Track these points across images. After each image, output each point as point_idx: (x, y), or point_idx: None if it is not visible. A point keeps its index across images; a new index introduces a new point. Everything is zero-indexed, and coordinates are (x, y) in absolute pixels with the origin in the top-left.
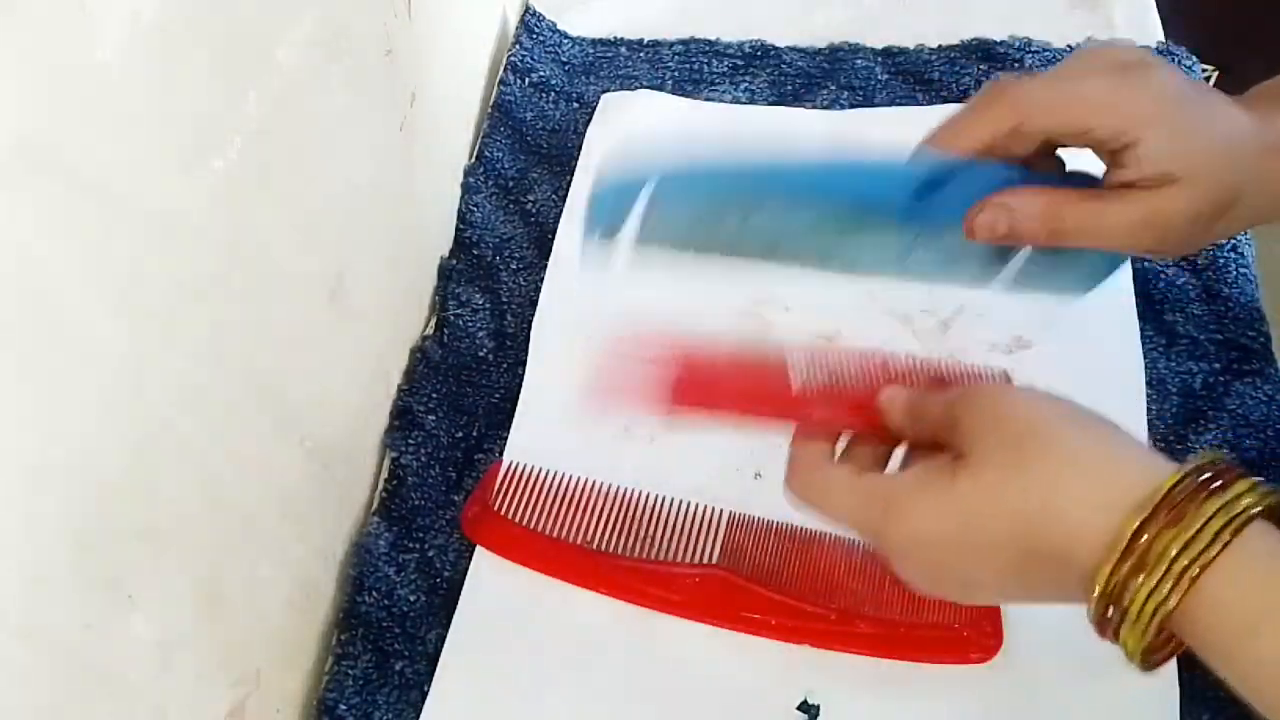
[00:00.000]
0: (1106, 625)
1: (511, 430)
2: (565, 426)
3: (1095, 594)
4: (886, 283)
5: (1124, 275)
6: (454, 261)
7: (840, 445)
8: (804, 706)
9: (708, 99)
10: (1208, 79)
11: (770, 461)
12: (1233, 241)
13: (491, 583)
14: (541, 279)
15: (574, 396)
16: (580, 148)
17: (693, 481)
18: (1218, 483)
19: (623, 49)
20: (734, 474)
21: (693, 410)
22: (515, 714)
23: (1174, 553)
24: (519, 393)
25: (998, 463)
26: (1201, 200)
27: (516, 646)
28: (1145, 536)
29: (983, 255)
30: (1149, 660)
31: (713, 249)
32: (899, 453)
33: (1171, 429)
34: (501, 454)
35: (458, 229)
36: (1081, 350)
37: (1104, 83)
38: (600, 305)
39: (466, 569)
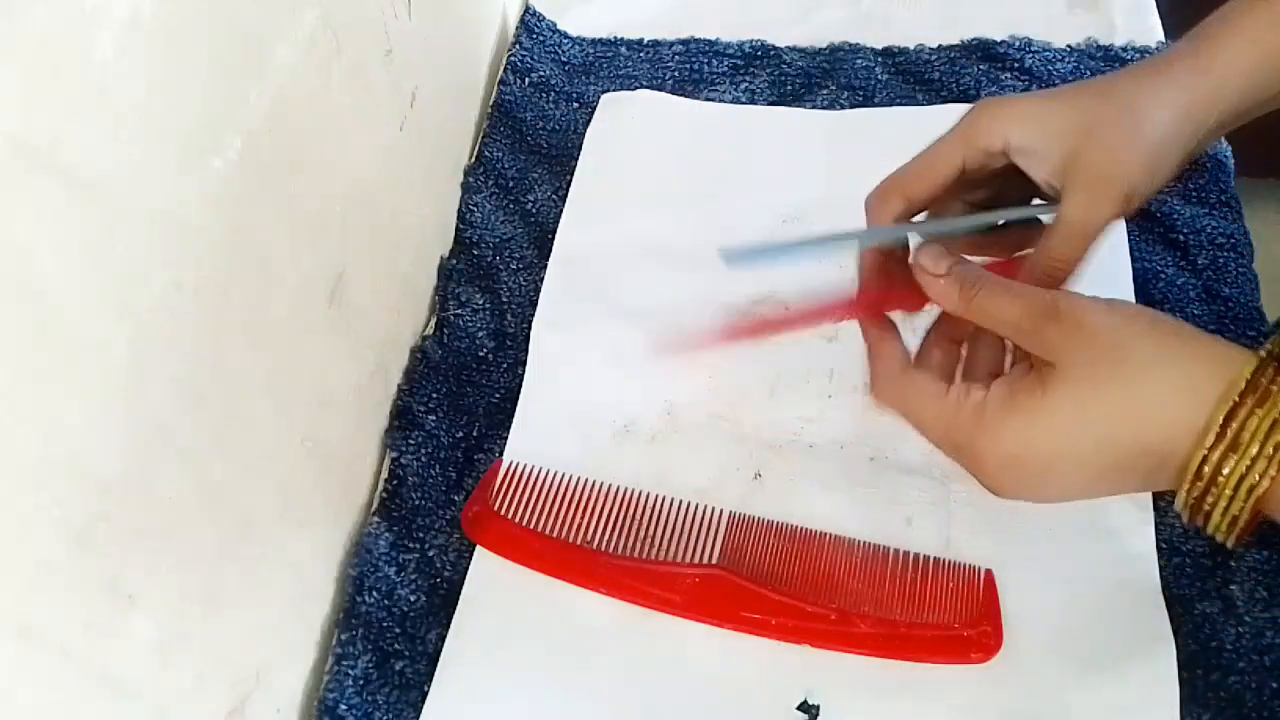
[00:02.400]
0: (1199, 510)
1: (512, 430)
2: (565, 427)
3: (1188, 480)
4: None
5: (1124, 275)
6: (454, 261)
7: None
8: (804, 707)
9: (708, 99)
10: None
11: (770, 462)
12: (1233, 241)
13: (491, 583)
14: (541, 279)
15: (574, 396)
16: (580, 148)
17: (692, 482)
18: None
19: (623, 49)
20: (734, 474)
21: (749, 337)
22: (515, 714)
23: (1264, 433)
24: (519, 393)
25: (1088, 375)
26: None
27: (516, 646)
28: (1235, 421)
29: None
30: (1239, 540)
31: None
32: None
33: None
34: (501, 454)
35: (458, 229)
36: None
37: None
38: (599, 306)
39: (466, 569)
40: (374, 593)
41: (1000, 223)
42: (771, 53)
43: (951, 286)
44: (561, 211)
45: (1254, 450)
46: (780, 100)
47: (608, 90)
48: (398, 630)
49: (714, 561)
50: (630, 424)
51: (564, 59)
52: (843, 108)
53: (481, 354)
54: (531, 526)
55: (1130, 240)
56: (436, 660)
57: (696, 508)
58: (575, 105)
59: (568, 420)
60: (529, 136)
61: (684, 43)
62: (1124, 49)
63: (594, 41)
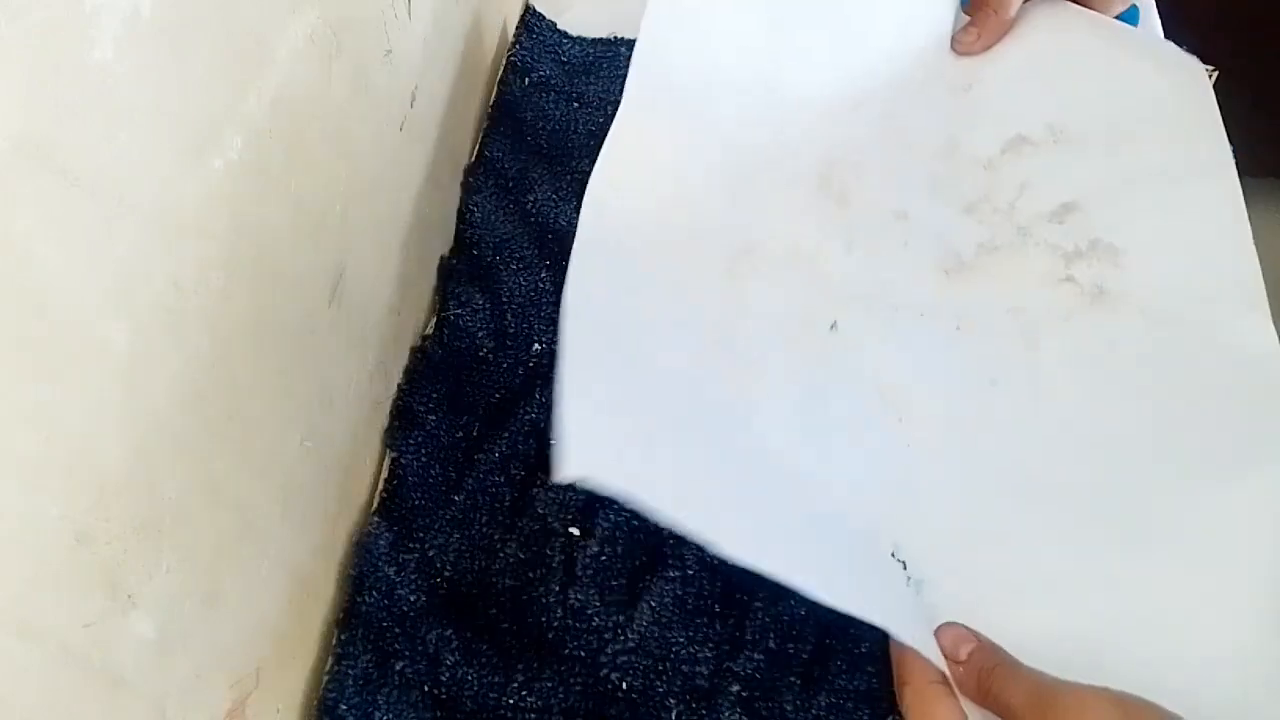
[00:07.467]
0: None
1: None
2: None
3: None
4: (891, 260)
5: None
6: (454, 261)
7: None
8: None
9: None
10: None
11: (847, 315)
12: None
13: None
14: (541, 279)
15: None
16: (581, 147)
17: (771, 313)
18: None
19: (623, 48)
20: (810, 321)
21: None
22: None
23: None
24: (519, 392)
25: None
26: None
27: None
28: None
29: None
30: None
31: None
32: None
33: None
34: (501, 453)
35: (458, 229)
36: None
37: None
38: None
39: (466, 569)
40: (374, 592)
41: None
42: None
43: (970, 676)
44: (561, 211)
45: None
46: None
47: (608, 90)
48: (398, 630)
49: None
50: (703, 250)
51: (564, 59)
52: None
53: (481, 354)
54: None
55: None
56: (436, 660)
57: None
58: (575, 105)
59: (630, 234)
60: (529, 136)
61: None
62: None
63: (594, 41)
